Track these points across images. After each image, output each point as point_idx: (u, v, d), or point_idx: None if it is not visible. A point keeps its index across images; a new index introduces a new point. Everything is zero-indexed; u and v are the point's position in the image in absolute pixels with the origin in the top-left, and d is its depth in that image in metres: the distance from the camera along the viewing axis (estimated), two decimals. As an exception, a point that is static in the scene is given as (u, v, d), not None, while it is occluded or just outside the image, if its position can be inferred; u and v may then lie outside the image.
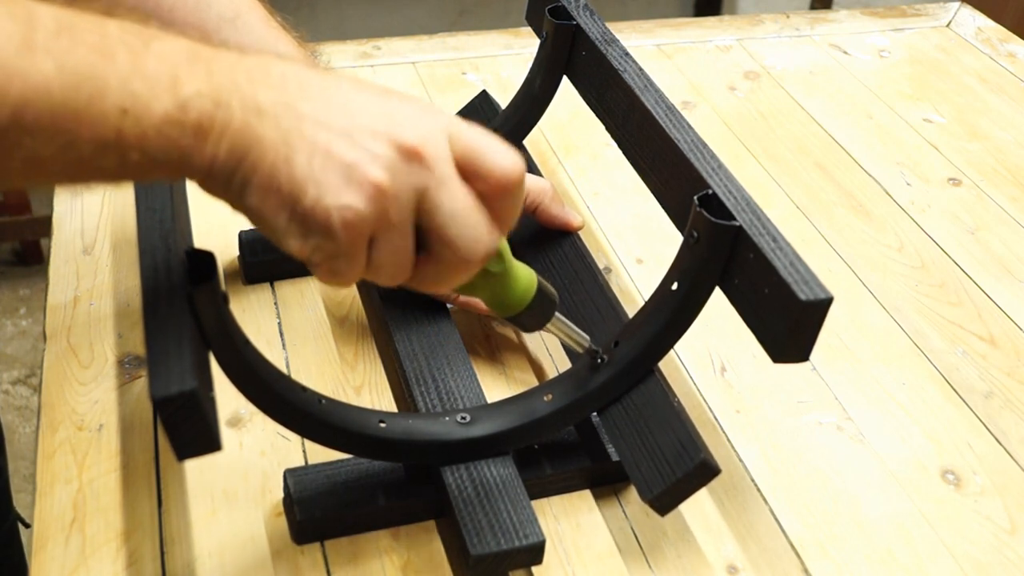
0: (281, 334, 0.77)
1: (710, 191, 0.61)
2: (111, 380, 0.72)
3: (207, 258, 0.52)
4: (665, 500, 0.61)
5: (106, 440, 0.68)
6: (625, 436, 0.64)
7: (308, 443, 0.68)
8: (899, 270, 0.90)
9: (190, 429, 0.47)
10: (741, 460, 0.71)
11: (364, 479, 0.63)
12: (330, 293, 0.81)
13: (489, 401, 0.67)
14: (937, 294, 0.87)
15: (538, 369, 0.77)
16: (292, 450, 0.68)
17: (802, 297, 0.53)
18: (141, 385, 0.72)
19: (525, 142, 0.87)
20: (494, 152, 0.49)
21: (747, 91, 1.14)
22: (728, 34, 1.26)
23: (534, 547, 0.60)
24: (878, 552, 0.66)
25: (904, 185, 1.01)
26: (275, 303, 0.80)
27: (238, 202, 0.46)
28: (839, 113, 1.11)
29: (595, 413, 0.66)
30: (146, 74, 0.42)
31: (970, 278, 0.89)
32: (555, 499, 0.67)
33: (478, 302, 0.75)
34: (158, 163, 0.43)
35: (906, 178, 1.02)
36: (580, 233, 0.80)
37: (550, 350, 0.78)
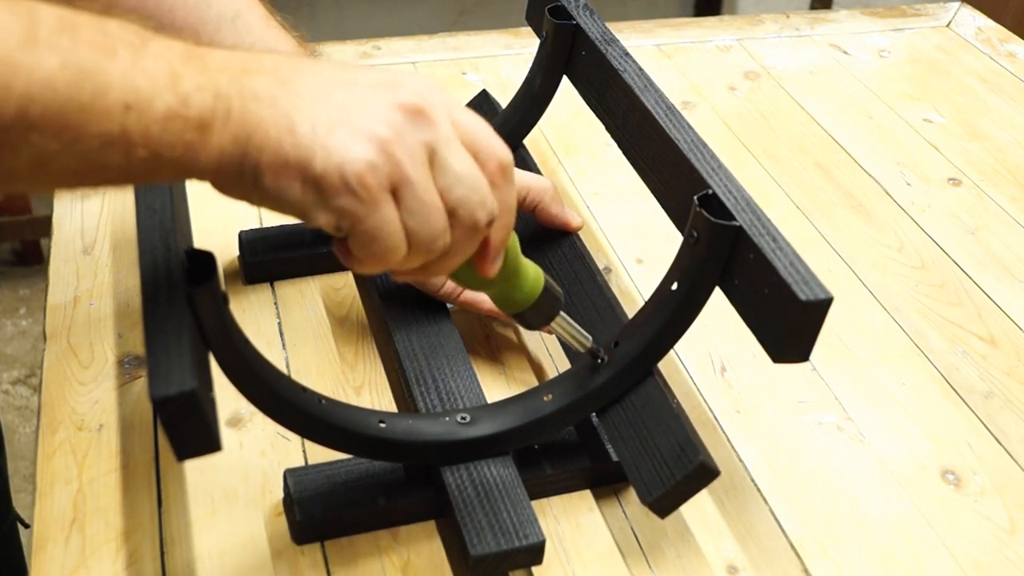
0: (281, 334, 0.77)
1: (710, 191, 0.61)
2: (111, 380, 0.72)
3: (207, 258, 0.52)
4: (665, 502, 0.61)
5: (106, 440, 0.68)
6: (624, 438, 0.64)
7: (308, 443, 0.68)
8: (899, 270, 0.90)
9: (190, 429, 0.47)
10: (741, 460, 0.71)
11: (364, 479, 0.63)
12: (330, 293, 0.81)
13: (489, 401, 0.67)
14: (937, 294, 0.87)
15: (538, 369, 0.77)
16: (292, 450, 0.68)
17: (802, 297, 0.53)
18: (141, 385, 0.72)
19: (525, 142, 0.87)
20: (490, 135, 0.50)
21: (747, 91, 1.14)
22: (728, 34, 1.26)
23: (534, 547, 0.60)
24: (878, 552, 0.66)
25: (904, 185, 1.01)
26: (275, 303, 0.80)
27: (254, 191, 0.46)
28: (839, 113, 1.11)
29: (595, 414, 0.66)
30: (146, 71, 0.42)
31: (970, 278, 0.89)
32: (555, 499, 0.67)
33: (480, 301, 0.75)
34: (164, 160, 0.43)
35: (906, 178, 1.02)
36: (580, 233, 0.80)
37: (550, 350, 0.78)
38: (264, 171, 0.45)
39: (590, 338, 0.63)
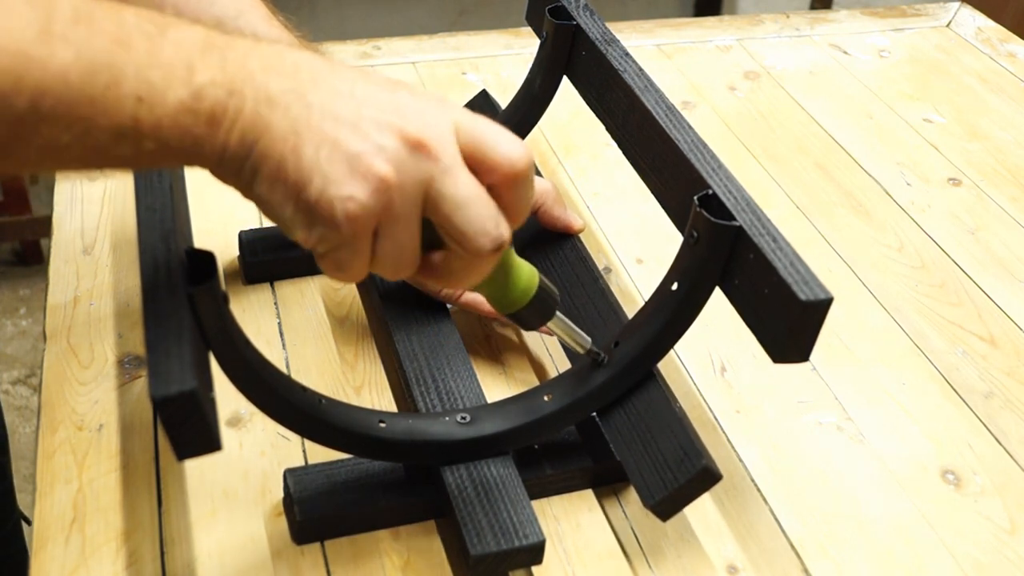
0: (281, 334, 0.77)
1: (710, 191, 0.61)
2: (111, 380, 0.72)
3: (207, 258, 0.52)
4: (667, 506, 0.61)
5: (106, 440, 0.68)
6: (627, 441, 0.64)
7: (308, 443, 0.68)
8: (899, 270, 0.90)
9: (190, 429, 0.47)
10: (741, 460, 0.71)
11: (364, 479, 0.63)
12: (330, 293, 0.81)
13: (489, 401, 0.67)
14: (937, 294, 0.87)
15: (538, 369, 0.77)
16: (292, 450, 0.68)
17: (802, 297, 0.53)
18: (141, 385, 0.72)
19: (525, 142, 0.87)
20: (501, 143, 0.49)
21: (747, 91, 1.14)
22: (728, 34, 1.26)
23: (534, 547, 0.60)
24: (878, 552, 0.66)
25: (904, 185, 1.01)
26: (275, 303, 0.80)
27: (247, 190, 0.46)
28: (839, 113, 1.11)
29: (597, 416, 0.66)
30: (162, 63, 0.42)
31: (970, 278, 0.89)
32: (555, 499, 0.67)
33: (479, 302, 0.75)
34: (171, 151, 0.44)
35: (906, 178, 1.02)
36: (580, 234, 0.79)
37: (550, 350, 0.78)
38: (262, 179, 0.45)
39: (588, 338, 0.63)
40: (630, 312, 0.69)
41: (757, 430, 0.73)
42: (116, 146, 0.43)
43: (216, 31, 0.46)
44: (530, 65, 0.84)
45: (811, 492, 0.69)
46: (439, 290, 0.74)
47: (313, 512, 0.62)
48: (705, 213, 0.59)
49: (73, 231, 0.86)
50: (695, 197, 0.60)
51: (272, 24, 0.68)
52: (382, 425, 0.61)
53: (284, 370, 0.74)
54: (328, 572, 0.61)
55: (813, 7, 2.53)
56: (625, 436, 0.64)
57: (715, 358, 0.79)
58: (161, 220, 0.54)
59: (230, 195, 0.48)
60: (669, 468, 0.61)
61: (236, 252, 0.82)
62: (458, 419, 0.64)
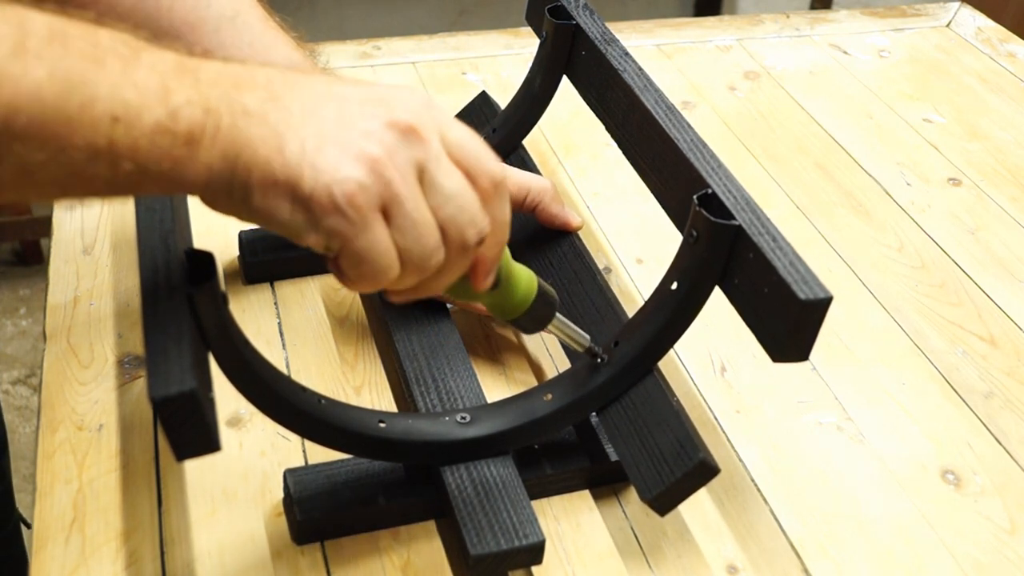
0: (281, 334, 0.77)
1: (710, 190, 0.61)
2: (111, 380, 0.72)
3: (207, 258, 0.52)
4: (664, 500, 0.61)
5: (106, 440, 0.68)
6: (624, 436, 0.64)
7: (308, 443, 0.68)
8: (899, 270, 0.90)
9: (189, 429, 0.47)
10: (741, 460, 0.71)
11: (364, 479, 0.63)
12: (330, 293, 0.81)
13: (489, 401, 0.67)
14: (937, 294, 0.87)
15: (538, 369, 0.77)
16: (292, 450, 0.68)
17: (801, 296, 0.53)
18: (141, 385, 0.72)
19: (525, 142, 0.87)
20: (484, 154, 0.49)
21: (747, 91, 1.14)
22: (728, 34, 1.26)
23: (534, 547, 0.60)
24: (878, 552, 0.66)
25: (904, 185, 1.01)
26: (275, 303, 0.80)
27: (244, 208, 0.45)
28: (839, 113, 1.11)
29: (594, 413, 0.66)
30: (136, 83, 0.42)
31: (970, 278, 0.89)
32: (555, 499, 0.67)
33: (479, 304, 0.75)
34: (151, 174, 0.43)
35: (906, 178, 1.02)
36: (580, 233, 0.80)
37: (550, 350, 0.78)
38: (253, 190, 0.44)
39: (588, 338, 0.63)
40: (630, 313, 0.69)
41: (757, 430, 0.73)
42: (92, 167, 0.42)
43: (187, 55, 0.45)
44: (530, 65, 0.84)
45: (811, 492, 0.69)
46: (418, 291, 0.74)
47: (313, 512, 0.62)
48: (705, 212, 0.59)
49: (73, 231, 0.86)
50: (695, 196, 0.60)
51: (269, 24, 0.68)
52: (382, 425, 0.61)
53: (284, 370, 0.74)
54: (328, 572, 0.61)
55: (813, 7, 2.53)
56: (622, 430, 0.64)
57: (715, 358, 0.79)
58: (161, 220, 0.54)
59: (230, 195, 0.48)
60: (666, 462, 0.61)
61: (236, 252, 0.82)
62: (458, 419, 0.64)
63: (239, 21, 0.67)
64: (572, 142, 1.03)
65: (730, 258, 0.59)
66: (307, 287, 0.81)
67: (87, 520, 0.63)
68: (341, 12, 2.59)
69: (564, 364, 0.76)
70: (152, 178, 0.43)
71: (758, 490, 0.69)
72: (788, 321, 0.55)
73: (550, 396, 0.65)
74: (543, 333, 0.78)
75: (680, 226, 0.64)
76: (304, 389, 0.58)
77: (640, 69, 0.74)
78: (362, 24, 2.59)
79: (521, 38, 1.21)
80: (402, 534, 0.64)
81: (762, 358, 0.58)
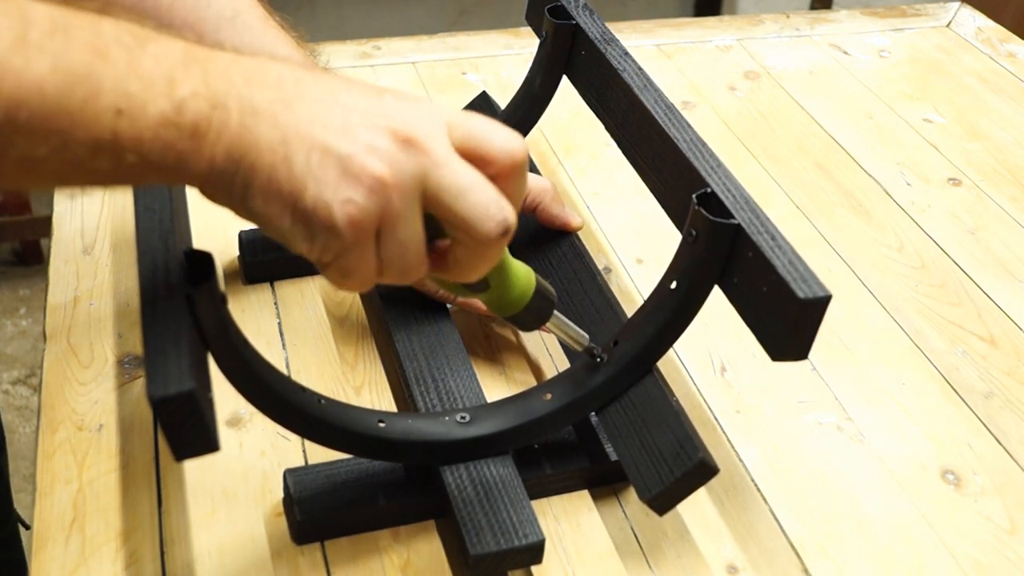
0: (281, 334, 0.77)
1: (709, 189, 0.61)
2: (111, 380, 0.72)
3: (206, 259, 0.52)
4: (663, 500, 0.61)
5: (106, 440, 0.68)
6: (623, 436, 0.64)
7: (308, 443, 0.68)
8: (899, 270, 0.90)
9: (188, 430, 0.47)
10: (741, 460, 0.71)
11: (364, 479, 0.63)
12: (330, 293, 0.81)
13: (489, 401, 0.67)
14: (937, 294, 0.87)
15: (537, 369, 0.77)
16: (292, 450, 0.68)
17: (801, 295, 0.53)
18: (141, 385, 0.72)
19: (525, 142, 0.87)
20: (496, 135, 0.48)
21: (747, 91, 1.14)
22: (728, 34, 1.26)
23: (534, 547, 0.60)
24: (878, 552, 0.66)
25: (904, 185, 1.01)
26: (275, 303, 0.80)
27: (242, 207, 0.45)
28: (839, 113, 1.11)
29: (594, 413, 0.66)
30: (141, 75, 0.42)
31: (970, 278, 0.89)
32: (555, 499, 0.67)
33: (477, 302, 0.75)
34: (155, 166, 0.43)
35: (906, 178, 1.02)
36: (580, 233, 0.80)
37: (550, 350, 0.78)
38: (255, 193, 0.44)
39: (587, 337, 0.63)
40: (630, 312, 0.69)
41: (757, 430, 0.73)
42: (95, 160, 0.42)
43: (196, 45, 0.45)
44: (530, 65, 0.84)
45: (811, 492, 0.69)
46: (437, 290, 0.74)
47: (313, 512, 0.62)
48: (704, 211, 0.59)
49: (73, 231, 0.86)
50: (694, 195, 0.60)
51: (269, 24, 0.68)
52: (382, 425, 0.61)
53: (284, 370, 0.74)
54: (328, 572, 0.61)
55: (813, 7, 2.53)
56: (622, 430, 0.64)
57: (715, 358, 0.79)
58: (160, 221, 0.54)
59: (229, 195, 0.48)
60: (665, 462, 0.61)
61: (236, 252, 0.82)
62: (458, 419, 0.64)
63: (239, 21, 0.67)
64: (572, 142, 1.03)
65: (729, 257, 0.59)
66: (307, 287, 0.81)
67: (87, 520, 0.63)
68: (341, 12, 2.59)
69: (564, 364, 0.76)
70: (155, 170, 0.43)
71: (758, 490, 0.69)
72: (787, 320, 0.55)
73: (550, 396, 0.65)
74: (543, 333, 0.78)
75: (680, 225, 0.64)
76: (304, 389, 0.58)
77: (640, 69, 0.74)
78: (362, 24, 2.59)
79: (521, 38, 1.21)
80: (402, 534, 0.64)
81: (762, 358, 0.58)
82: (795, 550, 0.65)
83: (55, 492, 0.64)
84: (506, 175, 0.48)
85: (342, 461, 0.64)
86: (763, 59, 1.21)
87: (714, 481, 0.62)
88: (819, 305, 0.54)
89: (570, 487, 0.67)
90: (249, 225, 0.83)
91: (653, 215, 0.86)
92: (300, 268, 0.82)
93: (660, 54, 1.20)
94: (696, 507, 0.67)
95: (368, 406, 0.67)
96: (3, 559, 0.99)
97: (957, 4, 1.35)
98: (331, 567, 0.62)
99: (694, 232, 0.60)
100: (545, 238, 0.79)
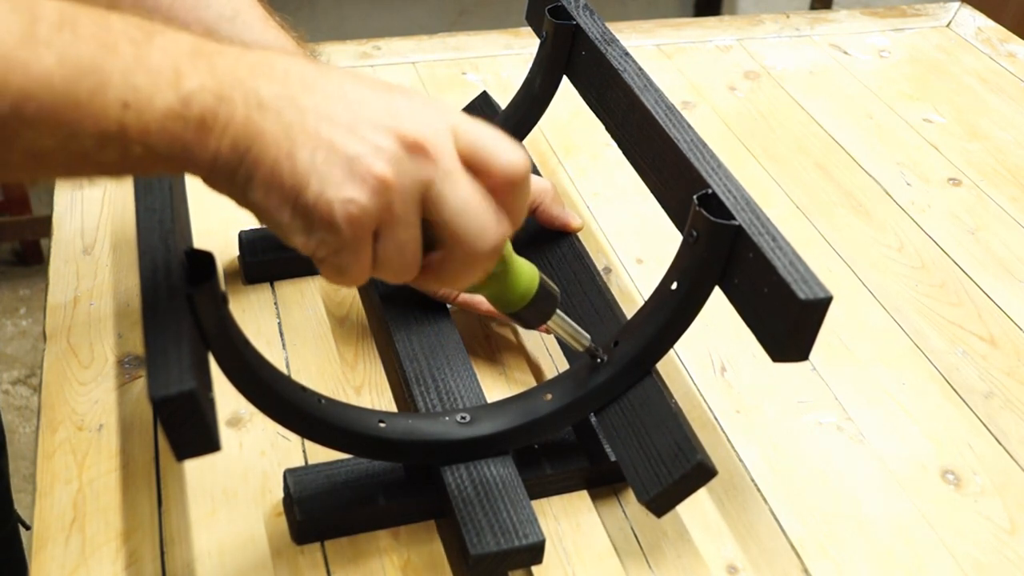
0: (281, 334, 0.77)
1: (709, 190, 0.61)
2: (111, 380, 0.72)
3: (206, 258, 0.52)
4: (662, 501, 0.61)
5: (106, 440, 0.68)
6: (622, 437, 0.64)
7: (308, 443, 0.68)
8: (899, 270, 0.90)
9: (189, 429, 0.47)
10: (741, 460, 0.71)
11: (364, 479, 0.63)
12: (330, 293, 0.81)
13: (489, 401, 0.67)
14: (937, 294, 0.87)
15: (537, 369, 0.77)
16: (292, 450, 0.68)
17: (801, 296, 0.53)
18: (141, 385, 0.72)
19: (525, 142, 0.87)
20: (500, 147, 0.48)
21: (747, 91, 1.14)
22: (728, 34, 1.26)
23: (534, 547, 0.60)
24: (878, 552, 0.66)
25: (904, 185, 1.01)
26: (275, 303, 0.80)
27: (242, 198, 0.46)
28: (839, 113, 1.11)
29: (593, 414, 0.66)
30: (148, 68, 0.42)
31: (970, 278, 0.89)
32: (555, 499, 0.67)
33: (478, 302, 0.75)
34: (161, 158, 0.43)
35: (906, 178, 1.02)
36: (580, 233, 0.80)
37: (550, 350, 0.78)
38: (256, 185, 0.44)
39: (588, 336, 0.63)
40: (630, 312, 0.69)
41: (757, 430, 0.73)
42: (102, 152, 0.42)
43: (204, 38, 0.45)
44: (530, 65, 0.84)
45: (811, 492, 0.69)
46: (437, 289, 0.74)
47: (313, 512, 0.62)
48: (704, 212, 0.59)
49: (73, 231, 0.86)
50: (695, 196, 0.60)
51: (269, 25, 0.68)
52: (382, 425, 0.61)
53: (284, 370, 0.74)
54: (328, 572, 0.61)
55: (813, 7, 2.53)
56: (620, 432, 0.64)
57: (715, 358, 0.79)
58: (160, 221, 0.54)
59: (229, 195, 0.48)
60: (664, 463, 0.61)
61: (236, 252, 0.82)
62: (458, 419, 0.64)
63: (239, 21, 0.67)
64: (572, 142, 1.03)
65: (730, 258, 0.59)
66: (307, 287, 0.81)
67: (87, 520, 0.63)
68: (341, 12, 2.59)
69: (564, 364, 0.76)
70: (162, 161, 0.43)
71: (758, 490, 0.69)
72: (788, 321, 0.55)
73: (550, 396, 0.65)
74: (543, 333, 0.78)
75: (680, 226, 0.64)
76: (304, 389, 0.58)
77: (640, 69, 0.74)
78: (362, 24, 2.59)
79: (521, 38, 1.21)
80: (402, 534, 0.64)
81: (762, 358, 0.58)
82: (795, 550, 0.66)
83: (55, 492, 0.65)
84: (506, 190, 0.49)
85: (342, 461, 0.64)
86: (763, 59, 1.21)
87: (714, 481, 0.62)
88: (820, 306, 0.54)
89: (570, 487, 0.67)
90: (249, 225, 0.84)
91: (653, 215, 0.86)
92: (300, 268, 0.82)
93: (660, 54, 1.20)
94: (696, 507, 0.67)
95: (368, 406, 0.67)
96: (3, 559, 0.99)
97: (957, 4, 1.35)
98: (331, 567, 0.62)
99: (695, 233, 0.60)
100: (545, 239, 0.79)
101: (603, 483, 0.68)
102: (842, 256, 0.91)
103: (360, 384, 0.74)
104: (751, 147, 1.05)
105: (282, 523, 0.64)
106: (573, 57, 0.81)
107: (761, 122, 1.09)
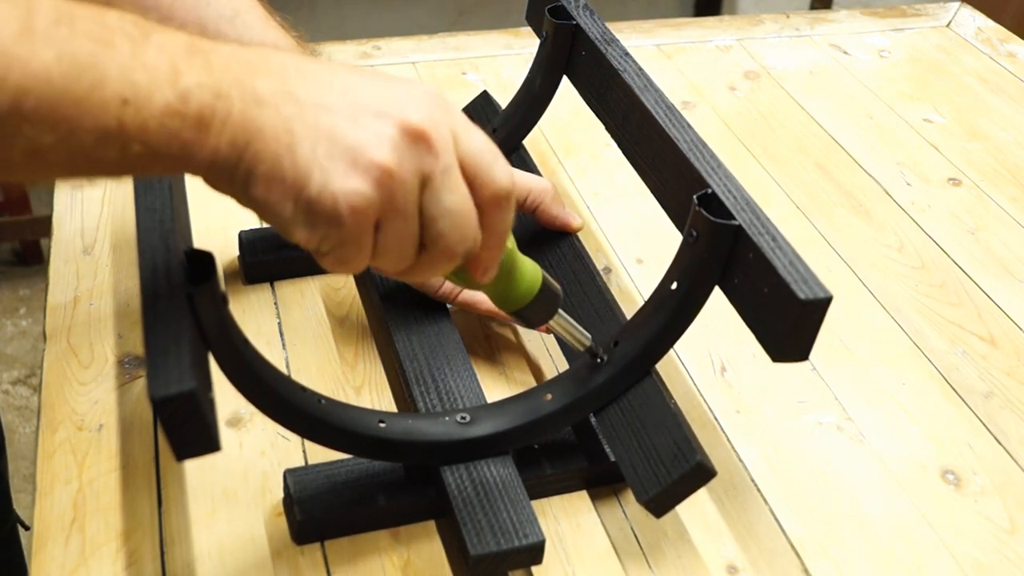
0: (281, 334, 0.77)
1: (709, 190, 0.61)
2: (111, 380, 0.72)
3: (206, 258, 0.52)
4: (661, 502, 0.61)
5: (106, 440, 0.68)
6: (621, 437, 0.64)
7: (308, 443, 0.68)
8: (899, 270, 0.90)
9: (189, 429, 0.47)
10: (741, 460, 0.71)
11: (364, 479, 0.63)
12: (330, 293, 0.81)
13: (489, 401, 0.67)
14: (937, 294, 0.87)
15: (537, 369, 0.77)
16: (292, 450, 0.68)
17: (801, 296, 0.53)
18: (141, 385, 0.72)
19: (525, 142, 0.87)
20: (497, 163, 0.49)
21: (747, 91, 1.14)
22: (728, 34, 1.26)
23: (534, 547, 0.60)
24: (878, 552, 0.66)
25: (904, 185, 1.01)
26: (275, 303, 0.80)
27: (243, 195, 0.45)
28: (839, 113, 1.11)
29: (592, 414, 0.66)
30: (146, 65, 0.42)
31: (970, 278, 0.89)
32: (555, 499, 0.67)
33: (478, 301, 0.75)
34: (160, 156, 0.43)
35: (906, 178, 1.02)
36: (580, 233, 0.80)
37: (550, 350, 0.78)
38: (257, 181, 0.44)
39: (589, 336, 0.63)
40: (630, 312, 0.69)
41: (757, 430, 0.73)
42: (101, 149, 0.42)
43: (199, 37, 0.45)
44: (530, 65, 0.84)
45: (811, 492, 0.69)
46: (437, 289, 0.74)
47: (313, 512, 0.62)
48: (704, 212, 0.59)
49: (73, 231, 0.86)
50: (694, 196, 0.60)
51: (269, 24, 0.68)
52: (382, 425, 0.61)
53: (284, 370, 0.74)
54: (328, 572, 0.61)
55: (813, 7, 2.53)
56: (620, 432, 0.64)
57: (715, 358, 0.79)
58: (160, 221, 0.54)
59: (229, 195, 0.48)
60: (663, 463, 0.61)
61: (236, 252, 0.82)
62: (458, 419, 0.64)
63: (239, 21, 0.67)
64: (572, 142, 1.03)
65: (730, 258, 0.59)
66: (307, 287, 0.81)
67: (87, 520, 0.63)
68: (341, 12, 2.59)
69: (564, 364, 0.76)
70: (161, 159, 0.43)
71: (758, 490, 0.69)
72: (788, 321, 0.55)
73: (550, 396, 0.65)
74: (543, 333, 0.78)
75: (680, 226, 0.64)
76: (304, 389, 0.58)
77: (640, 69, 0.74)
78: (362, 24, 2.59)
79: (521, 38, 1.21)
80: (402, 534, 0.64)
81: (762, 358, 0.58)
82: (795, 550, 0.66)
83: (55, 492, 0.64)
84: (492, 206, 0.49)
85: (342, 461, 0.64)
86: (763, 59, 1.21)
87: (714, 481, 0.62)
88: (820, 306, 0.54)
89: (570, 487, 0.67)
90: (249, 225, 0.84)
91: (653, 215, 0.86)
92: (300, 268, 0.82)
93: (660, 54, 1.20)
94: (696, 507, 0.67)
95: (368, 406, 0.67)
96: (3, 559, 0.99)
97: (957, 4, 1.35)
98: (331, 567, 0.62)
99: (695, 233, 0.60)
100: (545, 239, 0.79)
101: (603, 483, 0.68)
102: (842, 256, 0.91)
103: (360, 384, 0.74)
104: (751, 147, 1.05)
105: (282, 523, 0.64)
106: (573, 57, 0.81)
107: (761, 122, 1.09)
